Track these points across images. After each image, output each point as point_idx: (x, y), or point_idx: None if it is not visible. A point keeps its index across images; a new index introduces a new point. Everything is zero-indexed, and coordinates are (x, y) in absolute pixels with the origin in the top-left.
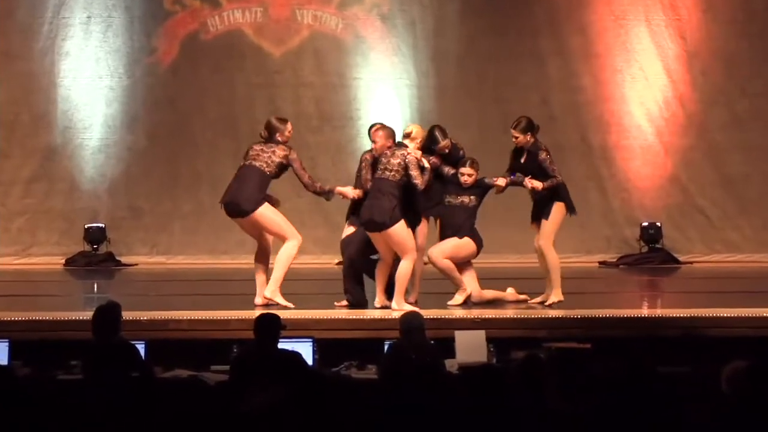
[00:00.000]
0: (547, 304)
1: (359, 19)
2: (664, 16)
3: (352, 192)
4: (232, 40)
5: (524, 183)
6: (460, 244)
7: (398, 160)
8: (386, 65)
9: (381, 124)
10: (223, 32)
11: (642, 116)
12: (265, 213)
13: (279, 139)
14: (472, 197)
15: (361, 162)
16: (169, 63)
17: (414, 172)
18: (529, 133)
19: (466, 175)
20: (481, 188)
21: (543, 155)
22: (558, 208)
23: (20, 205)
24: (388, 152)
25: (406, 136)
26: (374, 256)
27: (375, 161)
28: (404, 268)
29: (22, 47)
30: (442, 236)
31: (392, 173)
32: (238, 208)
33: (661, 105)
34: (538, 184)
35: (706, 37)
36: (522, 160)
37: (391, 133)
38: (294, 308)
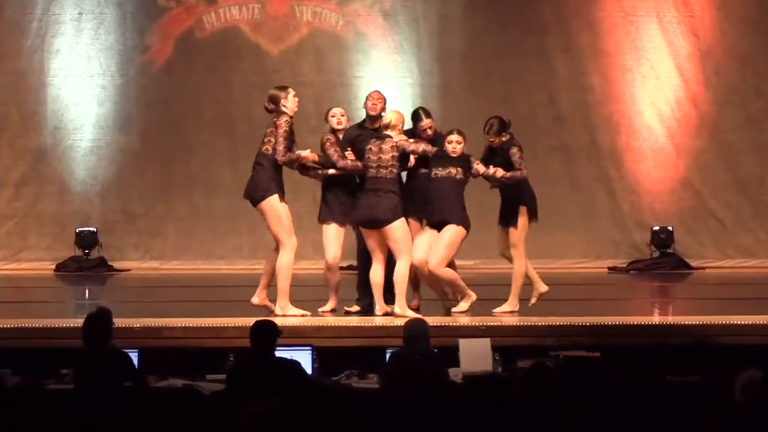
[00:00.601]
0: (497, 311)
1: (360, 16)
2: (676, 13)
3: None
4: (228, 37)
5: (489, 171)
6: (453, 239)
7: (390, 154)
8: (388, 63)
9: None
10: (219, 29)
11: (653, 117)
12: (273, 206)
13: (283, 108)
14: (459, 169)
15: (325, 143)
16: (163, 61)
17: (411, 147)
18: (503, 133)
19: (455, 142)
20: (466, 162)
21: (515, 150)
22: (524, 213)
23: (9, 209)
24: (374, 148)
25: (386, 126)
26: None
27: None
28: (402, 269)
29: (11, 45)
30: (429, 212)
31: (388, 170)
32: (248, 196)
33: (673, 105)
34: (501, 172)
35: (719, 36)
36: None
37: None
38: (310, 315)
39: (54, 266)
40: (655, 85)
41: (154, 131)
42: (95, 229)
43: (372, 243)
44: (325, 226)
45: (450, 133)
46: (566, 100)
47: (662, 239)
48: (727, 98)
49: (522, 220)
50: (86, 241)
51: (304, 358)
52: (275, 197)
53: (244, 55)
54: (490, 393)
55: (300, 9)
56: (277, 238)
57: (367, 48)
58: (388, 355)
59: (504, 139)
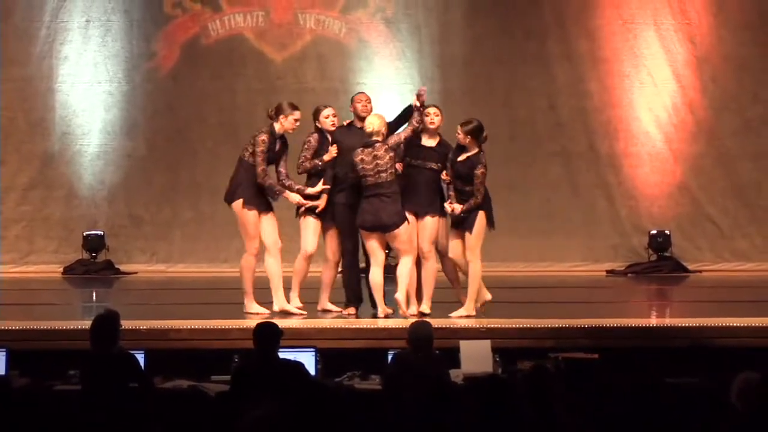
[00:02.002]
0: (453, 315)
1: (363, 24)
2: (673, 21)
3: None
4: (233, 44)
5: (445, 207)
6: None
7: (387, 157)
8: (391, 70)
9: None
10: (224, 37)
11: (650, 122)
12: (236, 210)
13: (276, 123)
14: (438, 164)
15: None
16: (169, 68)
17: (401, 138)
18: (473, 139)
19: (433, 114)
20: (444, 156)
21: (480, 171)
22: (481, 218)
23: (17, 213)
24: (366, 157)
25: (372, 133)
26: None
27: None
28: (408, 268)
29: (19, 51)
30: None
31: (387, 173)
32: (226, 196)
33: (670, 111)
34: (457, 208)
35: (716, 42)
36: (460, 159)
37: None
38: (307, 315)
39: (62, 269)
40: (652, 92)
41: (160, 137)
42: (102, 233)
43: (372, 245)
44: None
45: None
46: (566, 106)
47: (660, 243)
48: (723, 104)
49: (479, 224)
50: (93, 244)
51: (307, 359)
52: (239, 202)
53: (248, 62)
54: (490, 394)
55: (303, 17)
56: (245, 242)
57: (370, 55)
58: (390, 357)
59: (468, 142)
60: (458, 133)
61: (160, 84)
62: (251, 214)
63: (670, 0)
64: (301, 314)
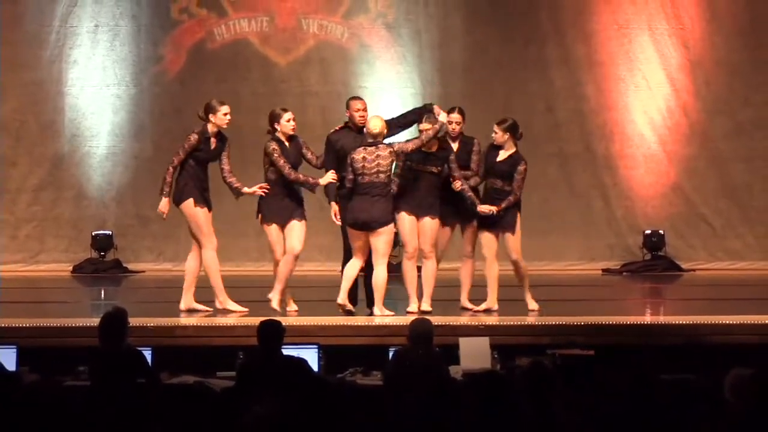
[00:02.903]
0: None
1: (365, 29)
2: (667, 26)
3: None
4: (238, 49)
5: (481, 210)
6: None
7: (389, 160)
8: (392, 74)
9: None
10: (229, 41)
11: (645, 125)
12: (186, 210)
13: (208, 119)
14: (439, 168)
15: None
16: (175, 72)
17: (407, 147)
18: (508, 134)
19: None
20: (444, 160)
21: (522, 168)
22: (518, 218)
23: (28, 213)
24: (368, 156)
25: (377, 135)
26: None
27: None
28: (385, 272)
29: (30, 56)
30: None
31: (384, 175)
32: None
33: (665, 114)
34: (493, 209)
35: (709, 47)
36: (500, 159)
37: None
38: (248, 312)
39: (71, 268)
40: (647, 95)
41: (166, 139)
42: (111, 233)
43: (357, 244)
44: (266, 227)
45: (452, 111)
46: (563, 109)
47: (654, 242)
48: (716, 107)
49: (518, 224)
50: (102, 243)
51: (310, 355)
52: (189, 202)
53: (253, 66)
54: (489, 390)
55: (307, 22)
56: (196, 239)
57: (371, 59)
58: (391, 353)
59: (507, 139)
60: (495, 132)
61: (167, 87)
62: (202, 212)
63: (664, 5)
64: (243, 311)
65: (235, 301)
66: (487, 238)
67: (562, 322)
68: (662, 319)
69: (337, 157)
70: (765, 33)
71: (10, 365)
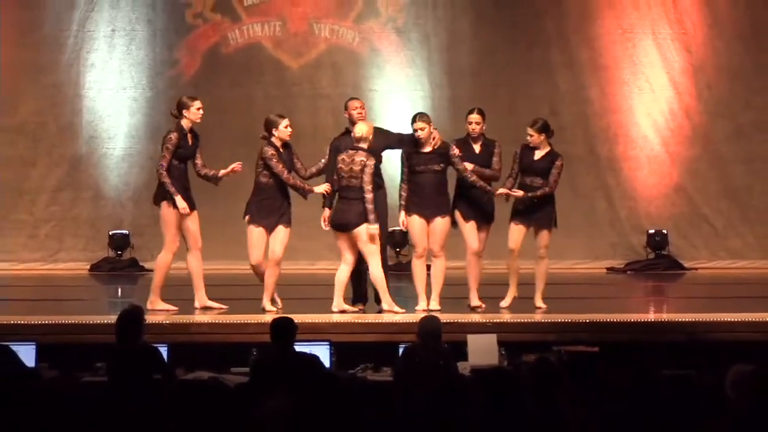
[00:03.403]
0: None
1: (375, 33)
2: (670, 30)
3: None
4: (251, 53)
5: (501, 192)
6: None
7: (359, 168)
8: (401, 77)
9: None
10: (243, 46)
11: (648, 127)
12: (165, 210)
13: (186, 115)
14: (441, 165)
15: (269, 158)
16: (190, 75)
17: (367, 179)
18: (543, 135)
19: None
20: (444, 157)
21: (560, 162)
22: (555, 216)
23: (47, 213)
24: (346, 158)
25: (360, 139)
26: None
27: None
28: (375, 269)
29: (49, 59)
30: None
31: (358, 181)
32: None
33: (667, 116)
34: (518, 192)
35: (711, 52)
36: (537, 158)
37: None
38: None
39: (89, 266)
40: (650, 98)
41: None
42: (127, 232)
43: (341, 245)
44: (252, 228)
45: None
46: (567, 111)
47: (657, 242)
48: (718, 110)
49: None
50: (119, 243)
51: (322, 352)
52: (164, 203)
53: (266, 70)
54: (496, 385)
55: (318, 26)
56: (183, 238)
57: (381, 63)
58: (400, 350)
59: (542, 139)
60: (531, 135)
61: (182, 90)
62: (175, 214)
63: (667, 11)
64: (222, 308)
65: (212, 300)
66: (516, 231)
67: (568, 320)
68: (665, 316)
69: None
70: (765, 38)
71: (30, 362)
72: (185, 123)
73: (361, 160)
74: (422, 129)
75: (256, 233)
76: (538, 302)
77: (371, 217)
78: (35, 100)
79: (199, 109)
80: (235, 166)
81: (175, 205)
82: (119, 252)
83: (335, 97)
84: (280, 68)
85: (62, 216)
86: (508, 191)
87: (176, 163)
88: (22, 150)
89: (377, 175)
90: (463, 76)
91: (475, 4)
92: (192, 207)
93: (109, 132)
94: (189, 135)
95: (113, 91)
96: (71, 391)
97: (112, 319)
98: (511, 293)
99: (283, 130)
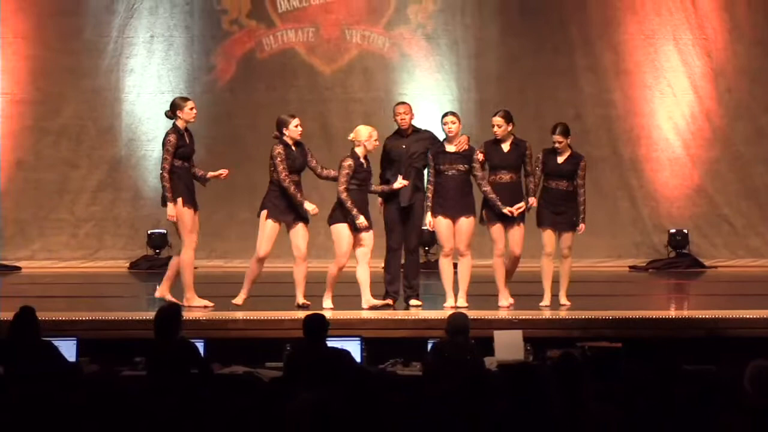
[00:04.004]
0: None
1: (405, 39)
2: (691, 36)
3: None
4: (285, 58)
5: (505, 211)
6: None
7: (345, 171)
8: (430, 82)
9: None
10: (277, 51)
11: (670, 130)
12: (178, 209)
13: (181, 115)
14: (465, 166)
15: (275, 156)
16: (226, 80)
17: (341, 179)
18: (567, 138)
19: (450, 122)
20: (468, 159)
21: (584, 163)
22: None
23: (87, 213)
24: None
25: (354, 142)
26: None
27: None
28: (330, 269)
29: (89, 65)
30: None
31: (338, 182)
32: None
33: (688, 119)
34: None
35: (731, 56)
36: (561, 162)
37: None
38: (214, 306)
39: (128, 264)
40: (672, 101)
41: (218, 143)
42: (165, 231)
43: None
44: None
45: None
46: (591, 115)
47: (678, 241)
48: (738, 113)
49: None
50: (157, 241)
51: (353, 347)
52: (179, 201)
53: (299, 75)
54: (521, 380)
55: (350, 32)
56: (180, 236)
57: (411, 68)
58: (429, 345)
59: (567, 142)
60: (560, 141)
61: (218, 94)
62: (189, 212)
63: (688, 17)
64: (209, 306)
65: (202, 297)
66: (549, 236)
67: (591, 317)
68: (686, 313)
69: (387, 158)
70: None
71: (71, 356)
72: (180, 123)
73: (341, 165)
74: (453, 123)
75: (270, 227)
76: (563, 299)
77: (344, 215)
78: (76, 104)
79: (192, 108)
80: (223, 172)
81: (184, 204)
82: (157, 250)
83: (367, 101)
84: (313, 73)
85: (102, 216)
86: (510, 210)
87: (179, 163)
88: (64, 152)
89: (419, 179)
90: (490, 81)
91: (502, 12)
92: (195, 209)
93: (147, 135)
94: (185, 134)
95: (152, 95)
96: (111, 385)
97: (150, 315)
98: (548, 292)
99: (293, 129)
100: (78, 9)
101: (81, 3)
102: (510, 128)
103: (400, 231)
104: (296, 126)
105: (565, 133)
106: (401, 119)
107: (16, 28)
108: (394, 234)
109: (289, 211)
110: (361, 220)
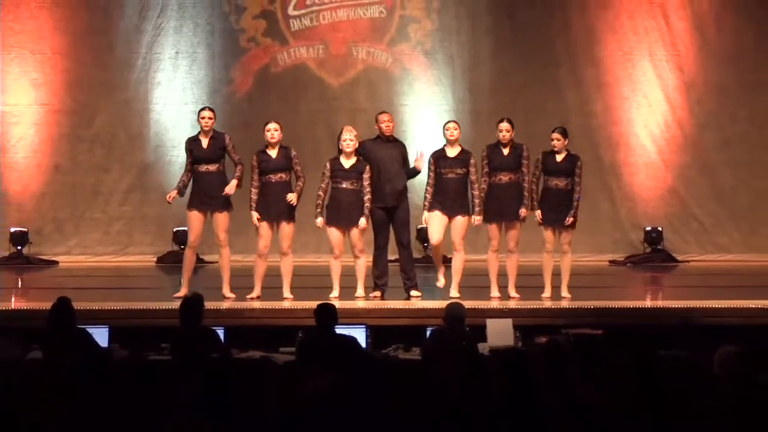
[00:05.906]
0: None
1: (406, 55)
2: (665, 52)
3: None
4: (297, 72)
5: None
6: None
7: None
8: (429, 93)
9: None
10: (290, 66)
11: (646, 137)
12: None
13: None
14: (464, 169)
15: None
16: (244, 92)
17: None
18: (567, 139)
19: (452, 128)
20: (466, 163)
21: (580, 161)
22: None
23: (118, 212)
24: None
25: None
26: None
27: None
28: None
29: (120, 78)
30: (442, 204)
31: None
32: None
33: (662, 128)
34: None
35: (701, 71)
36: (560, 161)
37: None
38: (235, 297)
39: (155, 259)
40: (647, 111)
41: (236, 149)
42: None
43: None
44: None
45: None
46: (575, 124)
47: (653, 238)
48: (707, 123)
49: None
50: (182, 238)
51: (359, 334)
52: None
53: (310, 87)
54: (512, 363)
55: (357, 49)
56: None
57: (411, 81)
58: (428, 332)
59: (566, 143)
60: (558, 140)
61: (237, 105)
62: (192, 214)
63: (662, 35)
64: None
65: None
66: (550, 234)
67: (575, 306)
68: (661, 303)
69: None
70: (749, 59)
71: (103, 342)
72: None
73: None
74: (455, 129)
75: (263, 226)
76: (564, 292)
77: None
78: (108, 114)
79: (202, 118)
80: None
81: (190, 207)
82: (182, 246)
83: (371, 110)
84: (322, 86)
85: (132, 215)
86: (480, 222)
87: (193, 168)
88: (98, 157)
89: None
90: (483, 92)
91: (494, 30)
92: (203, 209)
93: (173, 142)
94: (203, 139)
95: (177, 105)
96: (140, 369)
97: (175, 305)
98: (548, 285)
99: (265, 133)
100: (110, 28)
101: (113, 23)
102: (513, 134)
103: (387, 230)
104: (267, 131)
105: (564, 133)
106: (386, 126)
107: (54, 45)
108: (380, 234)
109: (275, 208)
110: (318, 220)
